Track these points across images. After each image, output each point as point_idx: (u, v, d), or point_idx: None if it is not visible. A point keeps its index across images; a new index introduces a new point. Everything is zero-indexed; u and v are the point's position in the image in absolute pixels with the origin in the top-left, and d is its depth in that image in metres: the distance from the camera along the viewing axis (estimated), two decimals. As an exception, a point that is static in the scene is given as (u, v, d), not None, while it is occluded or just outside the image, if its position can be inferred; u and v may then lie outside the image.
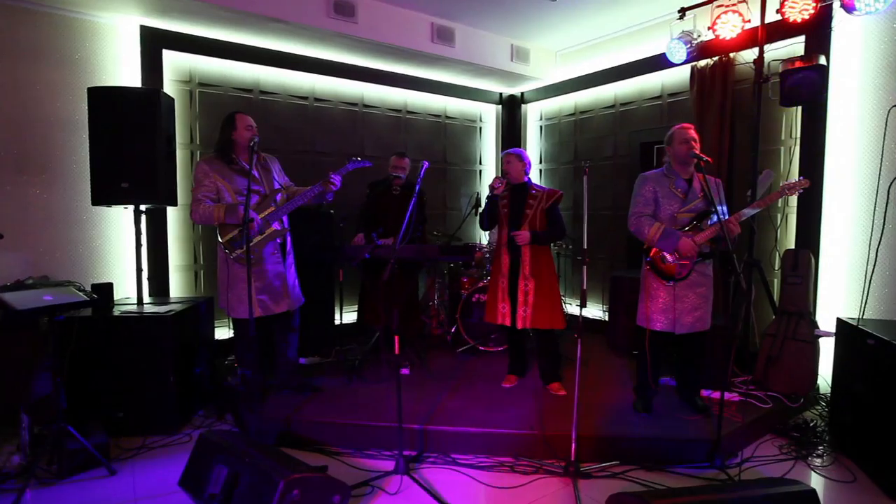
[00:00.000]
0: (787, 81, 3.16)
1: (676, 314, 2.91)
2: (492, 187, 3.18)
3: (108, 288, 3.13)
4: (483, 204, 3.38)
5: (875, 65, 3.18)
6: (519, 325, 3.24)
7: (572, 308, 5.04)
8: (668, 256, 2.89)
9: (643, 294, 3.03)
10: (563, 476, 2.55)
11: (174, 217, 3.99)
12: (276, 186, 3.11)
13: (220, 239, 2.95)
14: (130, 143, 3.07)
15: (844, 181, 3.34)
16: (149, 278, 3.68)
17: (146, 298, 3.38)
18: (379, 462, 2.70)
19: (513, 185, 3.31)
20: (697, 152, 2.75)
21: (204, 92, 4.10)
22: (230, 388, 3.43)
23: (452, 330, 4.55)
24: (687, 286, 2.90)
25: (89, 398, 2.88)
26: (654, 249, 2.94)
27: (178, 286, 4.04)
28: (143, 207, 3.36)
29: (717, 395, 3.27)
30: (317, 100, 4.69)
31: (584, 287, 2.31)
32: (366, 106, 4.98)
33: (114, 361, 2.89)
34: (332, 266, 4.18)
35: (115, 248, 3.71)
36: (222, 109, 4.13)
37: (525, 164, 3.31)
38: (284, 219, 3.13)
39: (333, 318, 4.28)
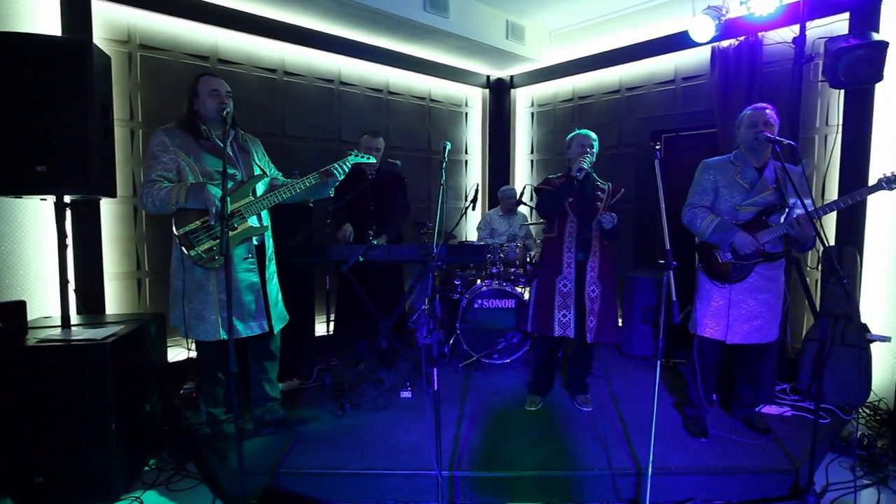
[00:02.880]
0: (841, 61, 2.84)
1: (729, 321, 2.53)
2: (581, 169, 2.65)
3: (18, 308, 2.33)
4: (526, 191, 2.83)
5: (925, 45, 2.93)
6: (589, 339, 2.79)
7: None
8: (722, 254, 2.50)
9: (696, 295, 2.64)
10: (634, 527, 2.08)
11: (110, 211, 3.17)
12: (257, 172, 2.43)
13: (175, 231, 2.23)
14: (49, 112, 2.27)
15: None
16: (76, 290, 2.87)
17: (74, 318, 2.58)
18: (404, 525, 2.11)
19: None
20: (773, 136, 2.35)
21: (147, 56, 3.29)
22: (191, 429, 2.70)
23: (451, 341, 4.00)
24: (745, 290, 2.52)
25: (-6, 461, 2.09)
26: (707, 245, 2.54)
27: (115, 300, 3.22)
28: (67, 199, 2.57)
29: (767, 410, 2.94)
30: (287, 73, 3.97)
31: (674, 298, 1.84)
32: (343, 83, 4.31)
33: (30, 409, 2.11)
34: (310, 271, 3.50)
35: (27, 253, 2.85)
36: (171, 78, 3.37)
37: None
38: (264, 215, 2.45)
39: (313, 333, 3.60)
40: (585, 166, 2.66)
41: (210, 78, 2.30)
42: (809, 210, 2.23)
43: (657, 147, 2.11)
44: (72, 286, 2.71)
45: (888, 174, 2.25)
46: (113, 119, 2.62)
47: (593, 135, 2.86)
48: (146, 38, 3.29)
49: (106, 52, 2.58)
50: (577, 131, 2.90)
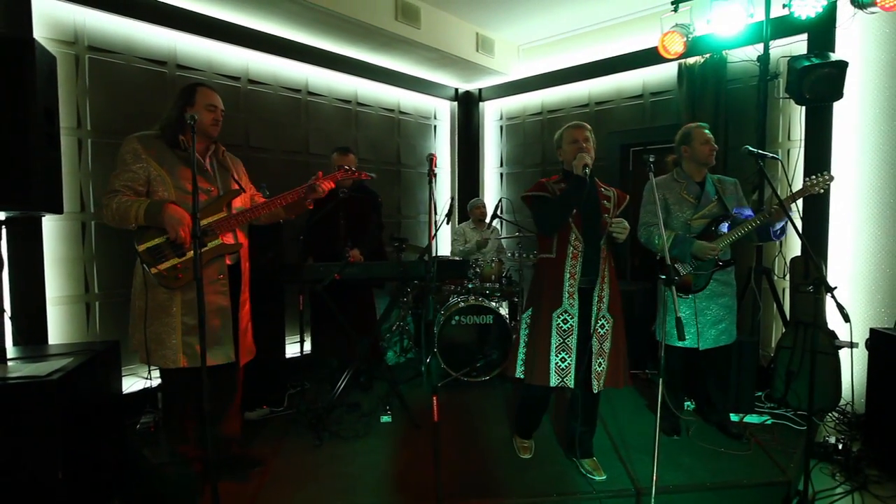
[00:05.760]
0: (806, 79, 2.96)
1: (699, 328, 2.63)
2: (586, 166, 2.10)
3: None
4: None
5: (876, 66, 3.11)
6: (595, 388, 2.24)
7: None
8: (682, 266, 2.60)
9: (660, 308, 2.69)
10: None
11: (53, 229, 2.86)
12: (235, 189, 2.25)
13: (136, 246, 2.03)
14: (-17, 117, 2.01)
15: (848, 185, 3.24)
16: (13, 318, 2.54)
17: (10, 351, 2.27)
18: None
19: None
20: (756, 150, 2.42)
21: (97, 59, 3.01)
22: (152, 471, 2.43)
23: (427, 360, 3.86)
24: (708, 297, 2.65)
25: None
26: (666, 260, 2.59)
27: (59, 327, 2.88)
28: (2, 216, 2.28)
29: (749, 419, 2.98)
30: (251, 81, 3.75)
31: (678, 315, 1.79)
32: (310, 93, 4.13)
33: (-44, 461, 1.81)
34: (280, 290, 3.29)
35: (-46, 277, 2.50)
36: (125, 84, 3.12)
37: None
38: (239, 232, 2.25)
39: (284, 356, 3.37)
40: (588, 164, 2.12)
41: (209, 91, 2.16)
42: (782, 199, 2.35)
43: (651, 160, 2.08)
44: (7, 313, 2.41)
45: (810, 178, 2.39)
46: (59, 126, 2.35)
47: (587, 125, 2.31)
48: (96, 39, 3.01)
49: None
50: (567, 126, 2.33)
